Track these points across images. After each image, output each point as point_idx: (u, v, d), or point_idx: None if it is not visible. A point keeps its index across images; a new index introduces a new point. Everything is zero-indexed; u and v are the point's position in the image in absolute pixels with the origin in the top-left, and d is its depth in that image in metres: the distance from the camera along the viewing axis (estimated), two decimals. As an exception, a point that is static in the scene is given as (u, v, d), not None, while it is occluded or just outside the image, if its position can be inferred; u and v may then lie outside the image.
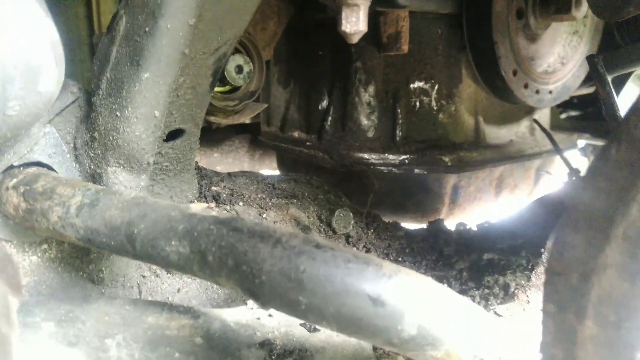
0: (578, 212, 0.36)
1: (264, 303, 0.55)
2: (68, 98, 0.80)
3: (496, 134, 1.46)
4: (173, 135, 0.87)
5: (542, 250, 0.86)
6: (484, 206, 1.54)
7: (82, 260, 0.82)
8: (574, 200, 0.36)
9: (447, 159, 1.31)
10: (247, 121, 1.90)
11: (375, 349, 0.78)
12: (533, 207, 1.18)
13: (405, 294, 0.51)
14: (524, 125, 1.55)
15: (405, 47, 1.23)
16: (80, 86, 0.82)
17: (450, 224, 1.38)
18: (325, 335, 0.78)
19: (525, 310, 0.76)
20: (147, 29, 0.66)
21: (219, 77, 1.36)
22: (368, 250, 1.16)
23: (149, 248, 0.64)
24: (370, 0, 0.58)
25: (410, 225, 1.38)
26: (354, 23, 0.57)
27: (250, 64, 1.38)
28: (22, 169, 0.77)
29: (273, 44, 1.50)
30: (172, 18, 0.64)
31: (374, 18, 1.26)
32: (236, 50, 1.39)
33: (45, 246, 0.80)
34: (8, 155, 0.75)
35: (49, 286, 0.79)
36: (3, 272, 0.32)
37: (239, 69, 1.35)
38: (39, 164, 0.79)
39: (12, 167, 0.76)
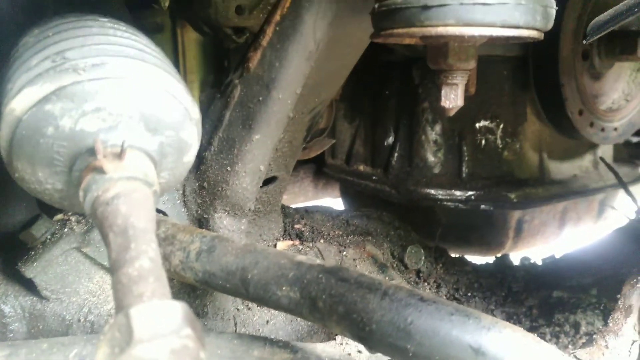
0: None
1: (372, 348, 0.62)
2: (179, 151, 0.90)
3: (560, 169, 1.49)
4: (268, 181, 0.96)
5: (619, 295, 0.89)
6: (548, 239, 1.56)
7: (189, 295, 0.91)
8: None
9: (512, 195, 1.35)
10: (327, 160, 1.99)
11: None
12: (607, 240, 1.20)
13: (504, 345, 0.57)
14: (587, 160, 1.57)
15: (472, 90, 1.29)
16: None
17: (514, 257, 1.42)
18: (412, 372, 0.84)
19: (605, 355, 0.80)
20: (260, 98, 0.75)
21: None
22: (439, 286, 1.21)
23: (261, 292, 0.72)
24: (467, 78, 0.65)
25: (475, 258, 1.42)
26: (453, 100, 0.64)
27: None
28: (141, 214, 0.87)
29: (342, 84, 1.59)
30: (284, 90, 0.73)
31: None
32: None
33: (158, 282, 0.90)
34: (131, 203, 0.86)
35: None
36: (195, 330, 0.40)
37: (312, 109, 1.44)
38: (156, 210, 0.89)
39: (133, 213, 0.87)
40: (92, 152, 0.52)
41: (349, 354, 0.85)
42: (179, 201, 0.92)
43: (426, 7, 0.51)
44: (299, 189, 1.93)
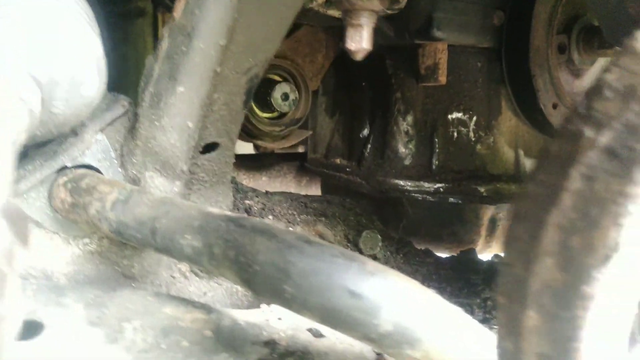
0: (521, 204, 0.38)
1: (256, 292, 0.59)
2: (119, 110, 0.90)
3: (539, 169, 1.43)
4: (209, 148, 0.95)
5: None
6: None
7: (117, 255, 0.90)
8: (519, 195, 0.39)
9: (482, 190, 1.31)
10: (301, 150, 1.99)
11: (377, 359, 0.79)
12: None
13: (385, 291, 0.54)
14: None
15: (442, 79, 1.27)
16: (130, 101, 0.92)
17: (488, 256, 1.36)
18: (330, 342, 0.80)
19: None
20: (183, 48, 0.75)
21: (266, 102, 1.46)
22: (394, 274, 1.17)
23: (168, 241, 0.70)
24: (374, 21, 0.63)
25: (445, 255, 1.38)
26: (358, 41, 0.62)
27: (296, 92, 1.47)
28: (73, 170, 0.87)
29: (320, 76, 1.59)
30: (205, 39, 0.73)
31: (413, 50, 1.31)
32: (283, 79, 1.48)
33: (87, 240, 0.89)
34: (63, 157, 0.86)
35: (87, 276, 0.87)
36: (14, 225, 0.39)
37: (285, 97, 1.44)
38: (89, 166, 0.89)
39: (65, 167, 0.87)
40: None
41: (267, 320, 0.82)
42: (116, 161, 0.91)
43: None
44: (280, 184, 1.91)
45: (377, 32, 1.29)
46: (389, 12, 1.15)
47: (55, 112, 0.61)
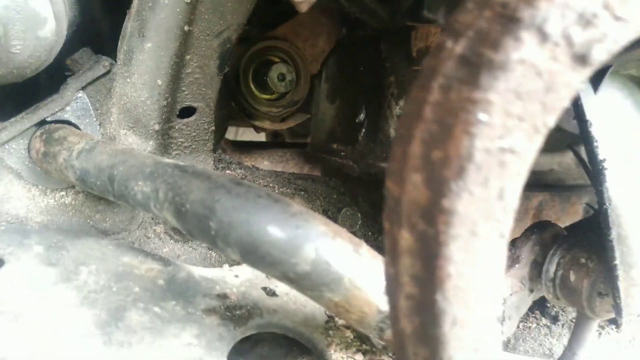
0: (399, 125, 0.39)
1: (188, 231, 0.61)
2: (100, 70, 0.93)
3: (537, 161, 1.41)
4: (186, 112, 0.97)
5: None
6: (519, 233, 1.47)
7: (90, 209, 0.93)
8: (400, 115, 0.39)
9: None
10: (309, 140, 2.00)
11: (327, 321, 0.80)
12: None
13: (306, 232, 0.55)
14: (569, 157, 1.47)
15: (434, 62, 1.26)
16: (112, 61, 0.95)
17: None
18: (282, 302, 0.81)
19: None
20: (150, 4, 0.77)
21: (264, 83, 1.48)
22: (372, 253, 1.17)
23: (123, 188, 0.73)
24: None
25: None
26: (300, -9, 0.63)
27: (294, 73, 1.48)
28: (52, 124, 0.90)
29: (321, 60, 1.60)
30: (169, -6, 0.75)
31: (406, 33, 1.30)
32: (282, 61, 1.50)
33: (62, 193, 0.93)
34: (43, 111, 0.90)
35: (58, 226, 0.91)
36: None
37: (282, 77, 1.46)
38: (68, 122, 0.92)
39: (44, 121, 0.90)
40: None
41: (224, 277, 0.83)
42: (95, 119, 0.95)
43: None
44: (282, 169, 1.93)
45: (370, 13, 1.30)
46: (380, -9, 1.15)
47: (14, 52, 0.64)
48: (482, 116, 0.32)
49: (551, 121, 0.33)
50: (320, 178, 1.30)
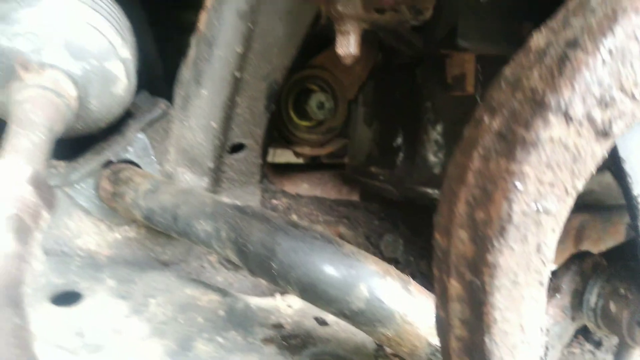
0: (444, 185, 0.44)
1: (250, 269, 0.67)
2: (157, 112, 1.01)
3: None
4: (236, 148, 1.05)
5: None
6: (561, 255, 1.48)
7: (152, 242, 1.01)
8: (445, 176, 0.44)
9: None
10: (346, 161, 2.06)
11: (376, 349, 0.84)
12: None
13: (359, 271, 0.60)
14: (609, 176, 1.48)
15: (470, 89, 1.30)
16: (168, 103, 1.03)
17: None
18: (333, 330, 0.86)
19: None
20: (206, 55, 0.85)
21: (304, 110, 1.54)
22: (414, 277, 1.21)
23: (186, 226, 0.80)
24: (361, 28, 0.69)
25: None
26: (346, 47, 0.69)
27: (332, 101, 1.55)
28: (116, 164, 0.99)
29: (357, 86, 1.66)
30: (224, 47, 0.82)
31: (440, 60, 1.35)
32: (321, 89, 1.57)
33: (127, 227, 1.01)
34: (108, 152, 0.98)
35: (125, 259, 0.99)
36: (40, 191, 0.49)
37: (321, 105, 1.52)
38: (130, 162, 1.01)
39: (110, 162, 0.99)
40: (21, 67, 0.64)
41: (278, 307, 0.89)
42: (154, 157, 1.03)
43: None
44: (321, 192, 1.98)
45: (405, 43, 1.35)
46: (414, 23, 1.20)
47: (91, 108, 0.72)
48: (518, 184, 0.37)
49: (580, 185, 0.38)
50: (360, 204, 1.35)
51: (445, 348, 0.46)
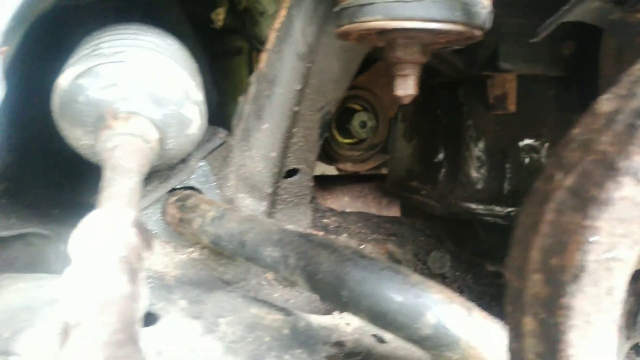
0: (517, 231, 0.48)
1: (320, 296, 0.72)
2: (217, 142, 1.08)
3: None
4: (290, 173, 1.11)
5: None
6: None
7: (215, 262, 1.08)
8: (517, 223, 0.48)
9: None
10: (384, 172, 2.10)
11: (433, 366, 0.88)
12: None
13: (426, 299, 0.65)
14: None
15: (512, 107, 1.33)
16: (227, 133, 1.10)
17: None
18: (391, 348, 0.91)
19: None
20: (266, 92, 0.91)
21: (346, 129, 1.60)
22: (461, 292, 1.25)
23: (253, 252, 0.86)
24: (419, 69, 0.74)
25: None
26: (404, 89, 0.73)
27: (374, 120, 1.60)
28: (181, 191, 1.06)
29: (398, 104, 1.70)
30: (284, 85, 0.88)
31: (482, 80, 1.38)
32: (363, 108, 1.62)
33: (191, 249, 1.08)
34: (172, 180, 1.05)
35: (190, 279, 1.05)
36: (141, 234, 0.55)
37: (363, 124, 1.58)
38: (193, 188, 1.07)
39: (174, 189, 1.06)
40: (111, 116, 0.71)
41: (337, 325, 0.94)
42: (214, 184, 1.10)
43: (361, 6, 0.63)
44: (361, 204, 2.03)
45: (448, 64, 1.39)
46: (457, 46, 1.24)
47: (168, 148, 0.79)
48: (591, 237, 0.41)
49: (649, 235, 0.42)
50: (405, 220, 1.39)
51: (518, 378, 0.50)
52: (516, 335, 0.50)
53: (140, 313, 0.52)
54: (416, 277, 0.67)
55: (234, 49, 1.75)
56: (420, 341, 0.65)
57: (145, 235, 0.57)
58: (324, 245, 0.74)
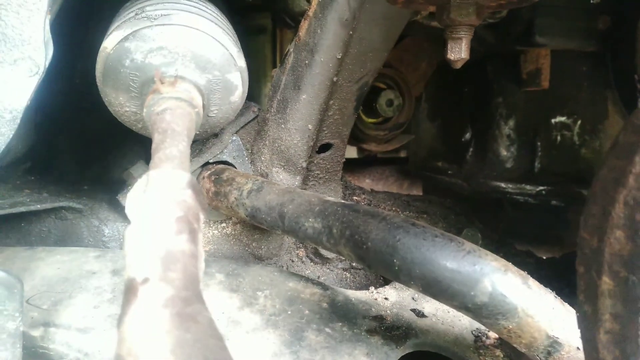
0: (596, 187, 0.46)
1: (369, 266, 0.71)
2: (250, 116, 1.07)
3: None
4: (324, 148, 1.09)
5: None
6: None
7: (248, 238, 1.06)
8: (595, 179, 0.46)
9: (585, 193, 1.32)
10: (403, 155, 2.08)
11: (475, 340, 0.87)
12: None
13: (481, 267, 0.63)
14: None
15: (545, 84, 1.30)
16: (260, 107, 1.08)
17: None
18: (431, 322, 0.89)
19: None
20: (306, 61, 0.89)
21: (372, 108, 1.58)
22: (493, 270, 1.23)
23: (293, 224, 0.84)
24: (472, 33, 0.71)
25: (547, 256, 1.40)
26: (457, 52, 0.71)
27: (400, 98, 1.57)
28: (214, 165, 1.04)
29: (423, 82, 1.68)
30: (325, 53, 0.86)
31: (514, 56, 1.36)
32: (388, 86, 1.59)
33: (224, 224, 1.07)
34: (206, 154, 1.04)
35: (223, 253, 1.04)
36: (197, 195, 0.54)
37: (390, 103, 1.55)
38: (226, 162, 1.06)
39: (207, 163, 1.04)
40: (159, 80, 0.70)
41: (376, 299, 0.93)
42: (247, 158, 1.08)
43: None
44: (382, 186, 2.02)
45: (478, 40, 1.36)
46: (491, 20, 1.22)
47: (212, 115, 0.77)
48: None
49: None
50: (435, 199, 1.37)
51: (590, 340, 0.48)
52: (589, 297, 0.49)
53: (201, 273, 0.51)
54: (471, 245, 0.65)
55: (257, 27, 1.73)
56: (475, 310, 0.63)
57: (200, 197, 0.55)
58: (371, 214, 0.72)
